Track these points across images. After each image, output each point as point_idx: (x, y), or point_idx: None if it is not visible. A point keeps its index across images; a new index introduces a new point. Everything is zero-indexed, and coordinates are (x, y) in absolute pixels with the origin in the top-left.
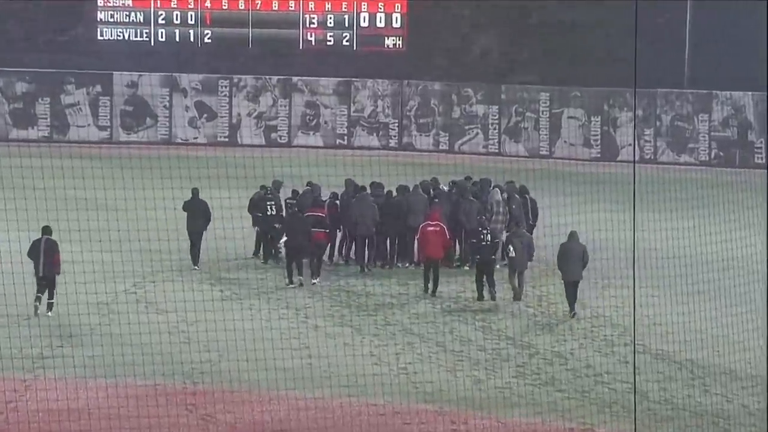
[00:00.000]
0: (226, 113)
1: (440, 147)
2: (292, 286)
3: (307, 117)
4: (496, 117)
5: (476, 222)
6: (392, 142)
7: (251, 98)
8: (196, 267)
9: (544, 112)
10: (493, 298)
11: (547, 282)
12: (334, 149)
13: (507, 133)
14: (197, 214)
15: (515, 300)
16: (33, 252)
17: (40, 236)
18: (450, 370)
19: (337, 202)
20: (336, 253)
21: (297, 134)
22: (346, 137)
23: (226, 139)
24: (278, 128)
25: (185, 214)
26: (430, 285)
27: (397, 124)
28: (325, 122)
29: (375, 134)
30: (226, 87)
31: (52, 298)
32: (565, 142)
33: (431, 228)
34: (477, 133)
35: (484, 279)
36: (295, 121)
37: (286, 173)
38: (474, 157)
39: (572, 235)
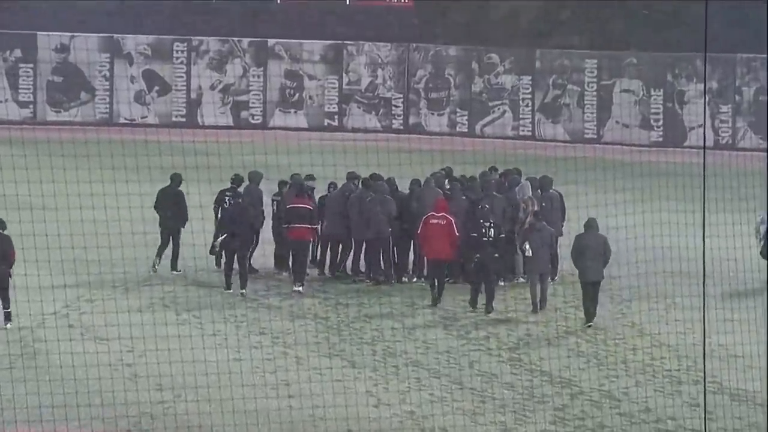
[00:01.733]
0: (183, 86)
1: (457, 129)
2: (231, 292)
3: (287, 91)
4: (529, 90)
5: (482, 213)
6: (396, 123)
7: (215, 67)
8: (155, 270)
9: (591, 85)
10: (488, 311)
11: None
12: (321, 132)
13: (543, 112)
14: (169, 208)
15: (533, 312)
16: None
17: None
18: (469, 413)
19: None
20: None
21: (274, 113)
22: (336, 117)
23: (183, 119)
24: (250, 105)
25: (155, 206)
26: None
27: (402, 100)
28: (310, 98)
29: (374, 113)
30: (182, 52)
31: (8, 307)
32: (617, 122)
33: (435, 221)
34: (504, 112)
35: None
36: (272, 96)
37: (259, 163)
38: (500, 142)
39: (589, 225)
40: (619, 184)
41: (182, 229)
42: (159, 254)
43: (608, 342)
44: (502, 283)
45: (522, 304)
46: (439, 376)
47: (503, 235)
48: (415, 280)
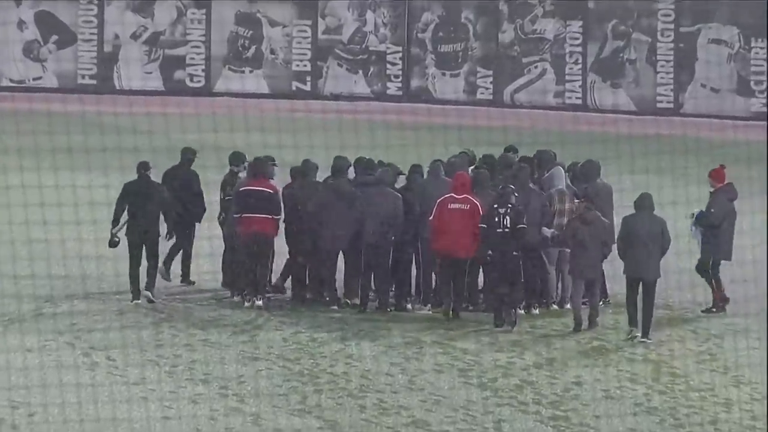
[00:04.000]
0: (93, 35)
1: (478, 95)
2: (138, 301)
3: (241, 42)
4: (578, 42)
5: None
6: (393, 88)
7: (138, 8)
8: (169, 279)
9: (666, 34)
10: (511, 324)
11: (671, 333)
12: (288, 99)
13: (597, 71)
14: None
15: (575, 331)
16: None
17: None
18: None
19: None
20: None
21: (221, 73)
22: (309, 78)
23: (94, 82)
24: (188, 62)
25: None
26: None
27: (401, 56)
28: (273, 52)
29: (362, 73)
30: None
31: None
32: (702, 86)
33: (456, 205)
34: (544, 71)
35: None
36: (219, 51)
37: (206, 142)
38: (538, 114)
39: (642, 203)
40: (704, 173)
41: (198, 224)
42: (169, 260)
43: (690, 394)
44: (537, 311)
45: (566, 331)
46: None
47: (523, 226)
48: (419, 306)
